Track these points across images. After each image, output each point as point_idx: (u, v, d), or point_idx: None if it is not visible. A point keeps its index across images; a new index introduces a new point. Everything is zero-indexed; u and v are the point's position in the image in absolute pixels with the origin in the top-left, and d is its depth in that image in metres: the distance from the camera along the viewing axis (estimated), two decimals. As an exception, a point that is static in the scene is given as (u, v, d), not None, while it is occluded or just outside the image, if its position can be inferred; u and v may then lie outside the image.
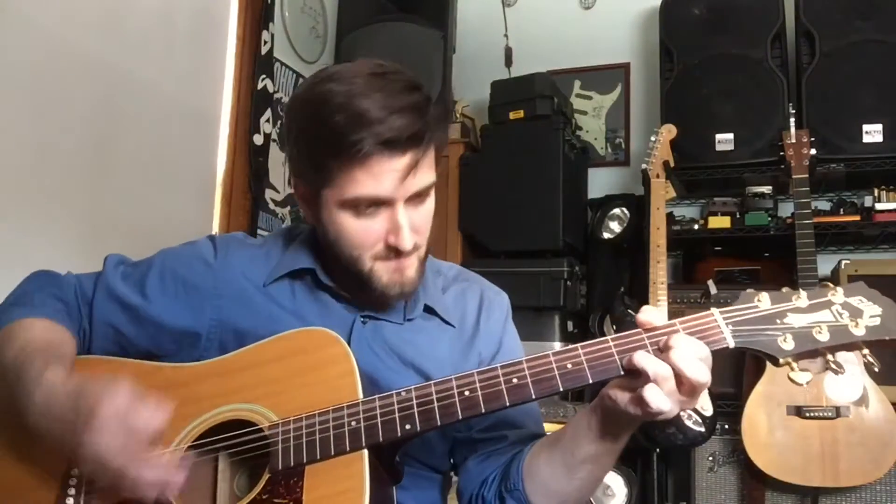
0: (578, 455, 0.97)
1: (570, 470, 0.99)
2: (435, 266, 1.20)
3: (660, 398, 0.83)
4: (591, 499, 2.40)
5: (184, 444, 0.95)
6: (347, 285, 1.09)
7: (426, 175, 0.99)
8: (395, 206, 0.98)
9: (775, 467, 2.31)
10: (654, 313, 0.89)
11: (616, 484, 2.54)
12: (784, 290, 0.90)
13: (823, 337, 0.86)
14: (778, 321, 0.87)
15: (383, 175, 0.94)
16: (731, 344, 0.86)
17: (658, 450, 2.62)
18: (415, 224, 1.00)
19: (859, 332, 0.85)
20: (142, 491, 0.86)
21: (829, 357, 0.88)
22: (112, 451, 0.84)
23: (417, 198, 1.00)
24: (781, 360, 0.87)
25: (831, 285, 0.89)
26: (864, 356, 0.87)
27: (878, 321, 0.85)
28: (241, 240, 1.17)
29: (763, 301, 0.88)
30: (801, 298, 0.88)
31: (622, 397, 0.89)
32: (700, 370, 0.84)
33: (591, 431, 0.96)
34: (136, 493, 0.86)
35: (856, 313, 0.86)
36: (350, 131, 0.92)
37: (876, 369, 0.87)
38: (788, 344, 0.86)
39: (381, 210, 0.98)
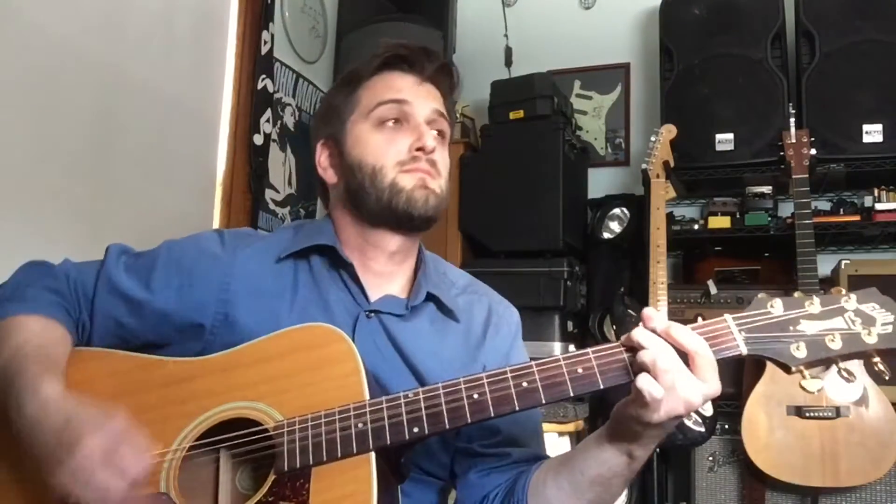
0: (588, 474, 0.95)
1: (578, 491, 0.97)
2: (442, 268, 1.19)
3: (649, 383, 0.82)
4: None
5: (186, 443, 0.94)
6: (365, 260, 1.11)
7: (441, 104, 1.12)
8: (415, 115, 1.08)
9: (775, 467, 2.31)
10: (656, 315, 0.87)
11: (616, 484, 2.54)
12: (796, 295, 0.88)
13: (836, 345, 0.84)
14: (791, 328, 0.86)
15: (403, 86, 1.09)
16: (745, 351, 0.85)
17: (658, 450, 2.62)
18: (435, 152, 1.09)
19: (872, 340, 0.84)
20: None
21: (841, 365, 0.87)
22: (87, 488, 0.83)
23: (437, 132, 1.10)
24: (794, 368, 0.85)
25: (844, 291, 0.88)
26: (875, 364, 0.86)
27: (890, 329, 0.84)
28: (249, 234, 1.17)
29: (776, 307, 0.87)
30: (814, 304, 0.87)
31: (624, 403, 0.88)
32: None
33: (601, 451, 0.94)
34: None
35: (868, 321, 0.85)
36: (375, 54, 1.11)
37: (886, 377, 0.86)
38: (801, 352, 0.85)
39: (403, 126, 1.08)
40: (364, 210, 1.09)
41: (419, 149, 1.06)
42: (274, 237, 1.15)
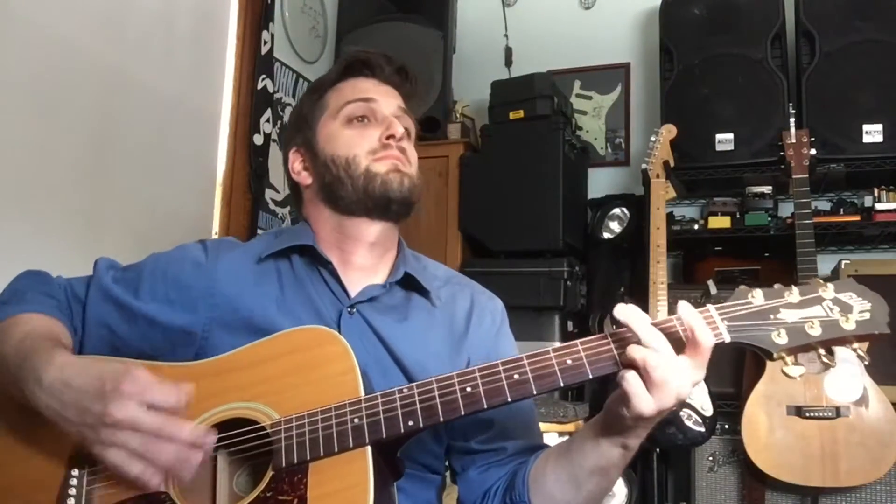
0: (586, 467, 0.98)
1: (578, 482, 0.99)
2: (422, 262, 1.22)
3: (636, 386, 0.84)
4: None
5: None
6: (344, 255, 1.13)
7: (404, 104, 1.18)
8: (382, 110, 1.14)
9: (775, 467, 2.31)
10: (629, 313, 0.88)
11: (616, 484, 2.54)
12: (776, 286, 0.91)
13: (815, 331, 0.88)
14: (771, 316, 0.89)
15: (368, 87, 1.16)
16: (728, 339, 0.88)
17: (658, 450, 2.62)
18: (404, 141, 1.14)
19: (849, 326, 0.87)
20: (167, 457, 0.85)
21: (821, 351, 0.90)
22: (143, 416, 0.85)
23: (404, 130, 1.14)
24: (775, 355, 0.89)
25: (822, 281, 0.91)
26: (855, 350, 0.89)
27: (867, 316, 0.88)
28: (231, 242, 1.20)
29: (756, 297, 0.90)
30: (793, 294, 0.90)
31: (615, 399, 0.90)
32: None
33: (597, 444, 0.96)
34: (158, 462, 0.85)
35: (846, 308, 0.88)
36: (342, 62, 1.19)
37: (866, 363, 0.89)
38: (782, 338, 0.88)
39: (371, 122, 1.13)
40: (341, 201, 1.12)
41: (389, 137, 1.11)
42: (255, 243, 1.19)
